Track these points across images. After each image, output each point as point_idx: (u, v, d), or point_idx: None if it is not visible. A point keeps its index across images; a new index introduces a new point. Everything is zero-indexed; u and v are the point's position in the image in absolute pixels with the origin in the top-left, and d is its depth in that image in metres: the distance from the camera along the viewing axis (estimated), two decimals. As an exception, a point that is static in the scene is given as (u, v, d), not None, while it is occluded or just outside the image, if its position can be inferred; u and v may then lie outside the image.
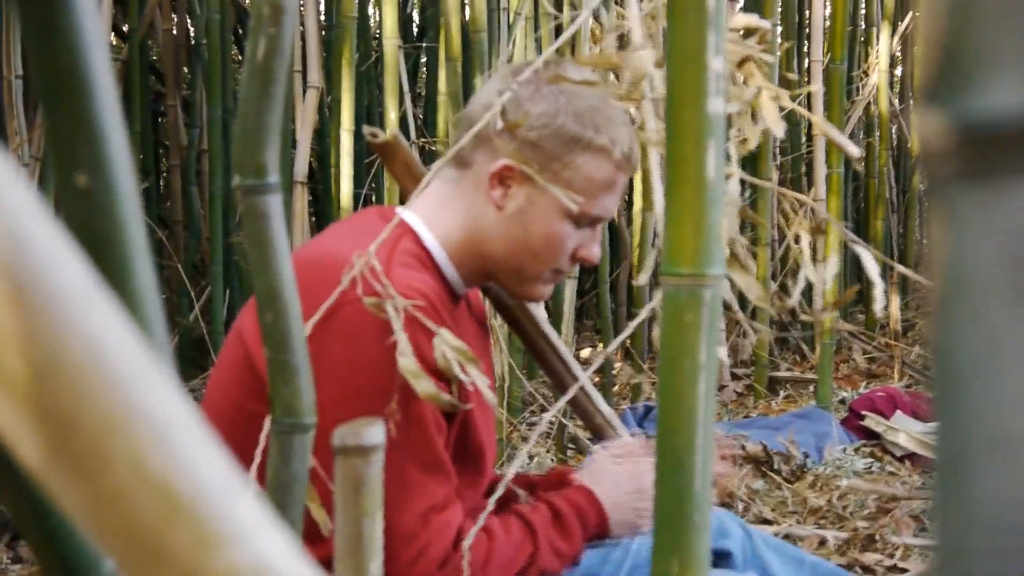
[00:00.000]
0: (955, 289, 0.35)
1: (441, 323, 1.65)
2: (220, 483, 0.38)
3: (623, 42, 1.40)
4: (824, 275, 1.28)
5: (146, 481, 0.36)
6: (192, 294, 4.91)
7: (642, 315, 1.14)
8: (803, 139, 5.63)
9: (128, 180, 0.63)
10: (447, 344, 1.46)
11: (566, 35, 1.25)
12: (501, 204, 1.79)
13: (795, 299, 1.19)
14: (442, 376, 1.59)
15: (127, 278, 0.60)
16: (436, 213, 1.83)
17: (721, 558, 2.02)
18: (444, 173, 1.85)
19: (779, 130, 1.18)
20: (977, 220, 0.34)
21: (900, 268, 1.32)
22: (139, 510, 0.37)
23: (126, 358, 0.36)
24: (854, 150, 1.23)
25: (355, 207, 4.17)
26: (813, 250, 1.30)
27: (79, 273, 0.35)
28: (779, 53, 5.13)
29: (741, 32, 1.23)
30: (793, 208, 1.26)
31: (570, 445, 3.99)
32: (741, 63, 1.18)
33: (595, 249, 1.87)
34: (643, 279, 1.21)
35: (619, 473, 1.84)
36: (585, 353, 5.30)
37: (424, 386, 1.45)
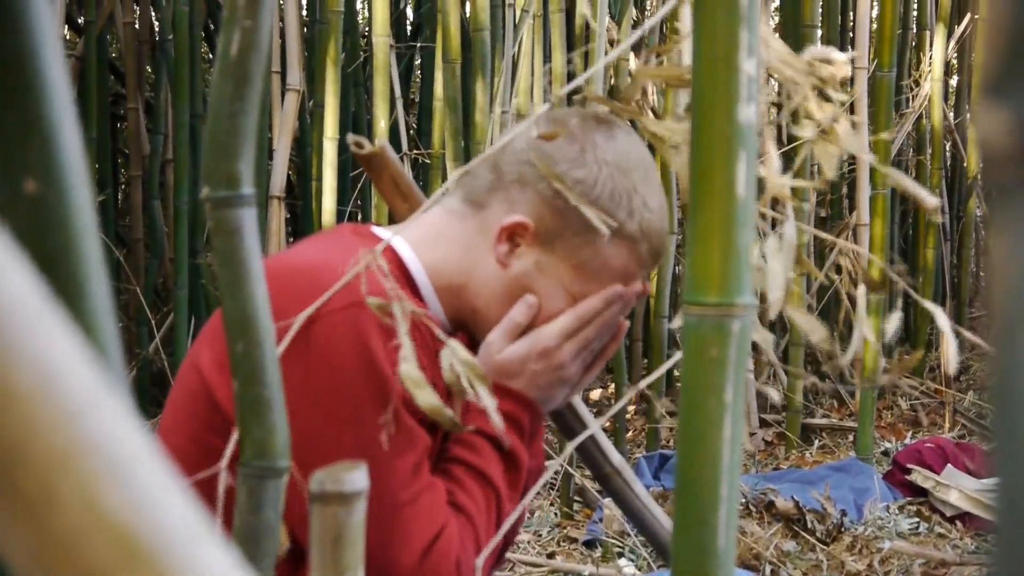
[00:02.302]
0: (1021, 315, 0.34)
1: (427, 342, 1.68)
2: (183, 527, 0.38)
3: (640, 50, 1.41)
4: (883, 330, 1.28)
5: (100, 523, 0.36)
6: (152, 322, 4.92)
7: (667, 364, 1.14)
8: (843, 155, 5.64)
9: (83, 189, 0.63)
10: (456, 357, 1.46)
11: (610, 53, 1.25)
12: (505, 262, 1.81)
13: (849, 356, 1.19)
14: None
15: (80, 298, 0.60)
16: (431, 243, 1.84)
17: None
18: (450, 204, 1.86)
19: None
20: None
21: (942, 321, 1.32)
22: (92, 556, 0.37)
23: (79, 385, 0.36)
24: (932, 201, 1.23)
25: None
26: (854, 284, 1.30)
27: (27, 288, 0.35)
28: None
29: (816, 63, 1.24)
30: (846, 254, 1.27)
31: (576, 498, 3.98)
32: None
33: None
34: (676, 323, 1.21)
35: (521, 352, 1.84)
36: (595, 395, 5.30)
37: (425, 397, 1.45)
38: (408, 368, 1.44)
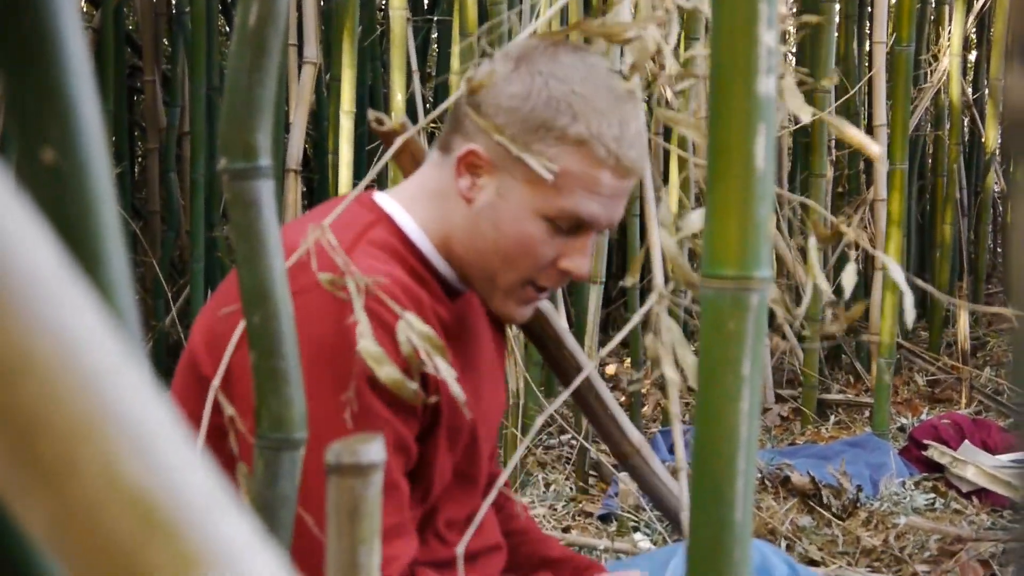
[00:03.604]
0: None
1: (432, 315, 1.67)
2: (203, 496, 0.38)
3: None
4: (841, 285, 1.28)
5: (119, 493, 0.36)
6: (169, 295, 4.92)
7: (624, 330, 1.14)
8: (862, 130, 5.62)
9: (100, 159, 0.63)
10: (412, 329, 1.44)
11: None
12: (469, 196, 1.76)
13: (803, 310, 1.19)
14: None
15: (98, 268, 0.60)
16: (420, 200, 1.80)
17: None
18: (431, 156, 1.84)
19: (804, 115, 1.19)
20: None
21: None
22: (111, 525, 0.37)
23: (99, 354, 0.36)
24: (875, 149, 1.23)
25: (354, 199, 4.17)
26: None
27: (49, 257, 0.35)
28: (836, 35, 5.12)
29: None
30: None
31: (592, 472, 3.99)
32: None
33: (580, 262, 1.80)
34: (629, 281, 1.21)
35: None
36: (611, 369, 5.30)
37: (387, 372, 1.43)
38: (367, 345, 1.43)
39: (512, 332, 3.48)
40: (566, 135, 1.73)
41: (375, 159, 4.97)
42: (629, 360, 4.69)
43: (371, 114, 1.81)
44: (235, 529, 0.39)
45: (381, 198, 1.82)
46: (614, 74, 1.78)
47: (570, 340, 2.18)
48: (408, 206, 1.80)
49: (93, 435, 0.36)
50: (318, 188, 5.20)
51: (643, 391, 4.66)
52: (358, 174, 4.65)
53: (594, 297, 3.85)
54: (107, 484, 0.36)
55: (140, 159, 6.02)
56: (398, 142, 1.55)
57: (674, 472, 2.49)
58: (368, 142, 5.09)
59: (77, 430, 0.36)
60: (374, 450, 0.89)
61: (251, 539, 0.39)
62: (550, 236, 1.76)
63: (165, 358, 4.91)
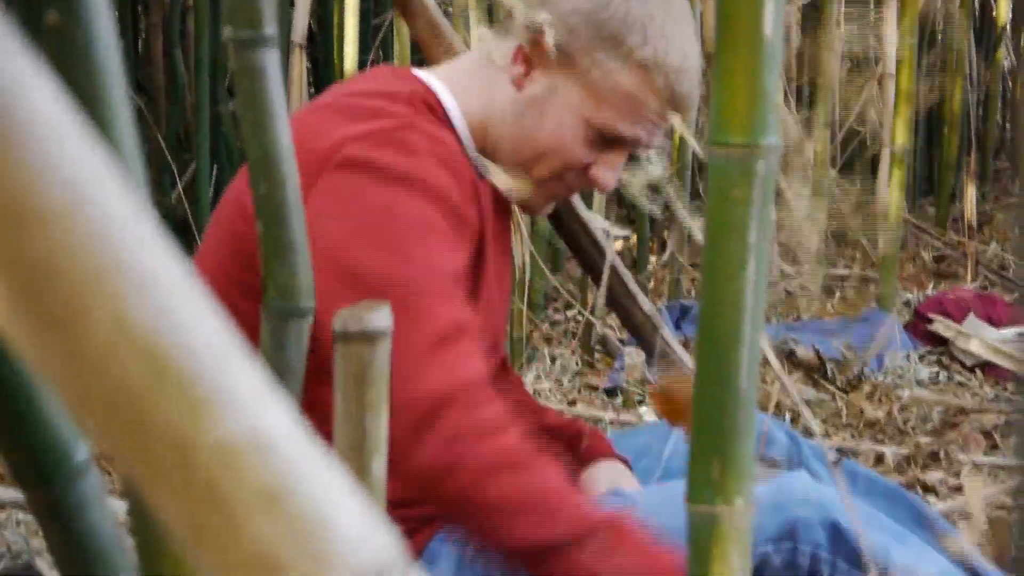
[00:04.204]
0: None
1: (463, 183, 1.69)
2: (213, 345, 0.38)
3: None
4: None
5: (129, 340, 0.37)
6: (175, 170, 4.91)
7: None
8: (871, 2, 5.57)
9: (104, 21, 0.63)
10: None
11: None
12: (520, 83, 1.80)
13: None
14: (465, 221, 1.67)
15: (106, 129, 0.60)
16: (463, 82, 1.85)
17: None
18: (479, 43, 1.86)
19: None
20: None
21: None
22: (121, 373, 0.37)
23: (110, 204, 0.36)
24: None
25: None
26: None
27: (58, 106, 0.35)
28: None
29: None
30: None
31: (597, 347, 4.00)
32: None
33: (609, 175, 1.85)
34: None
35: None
36: (617, 245, 5.30)
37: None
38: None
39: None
40: (631, 56, 1.78)
41: (379, 35, 4.93)
42: (635, 236, 4.68)
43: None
44: (246, 379, 0.39)
45: (421, 73, 1.85)
46: None
47: (583, 211, 2.20)
48: (449, 84, 1.83)
49: (104, 284, 0.36)
50: (323, 64, 5.16)
51: (649, 268, 4.66)
52: (363, 49, 4.61)
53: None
54: (117, 332, 0.36)
55: (144, 35, 5.97)
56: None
57: (684, 344, 2.52)
58: (375, 15, 5.04)
59: (88, 279, 0.36)
60: (381, 317, 0.90)
61: (262, 389, 0.39)
62: (587, 142, 1.81)
63: (172, 234, 4.91)
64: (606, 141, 1.82)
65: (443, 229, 1.67)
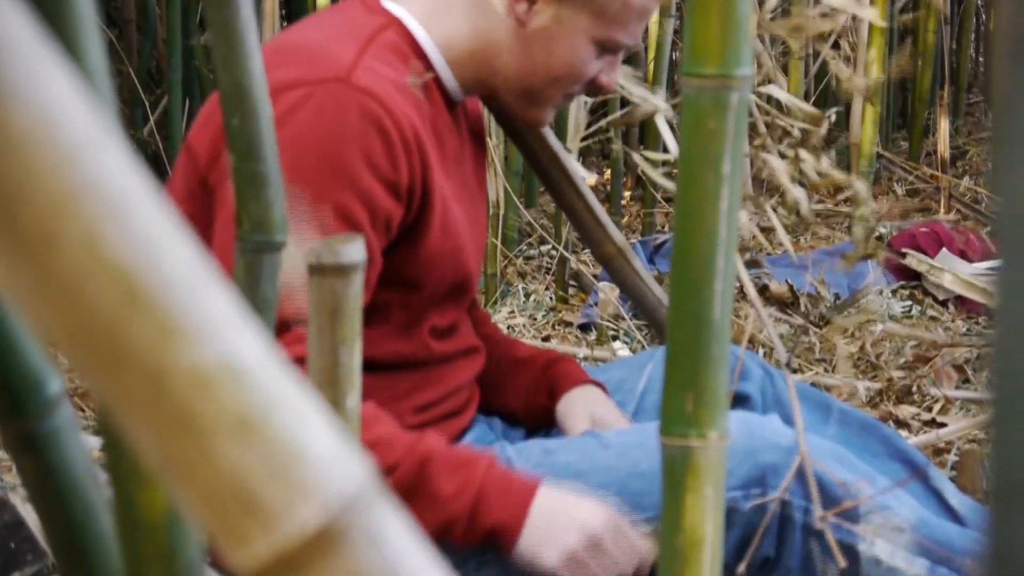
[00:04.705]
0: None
1: (395, 140, 1.69)
2: (185, 270, 0.38)
3: None
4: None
5: (100, 265, 0.36)
6: (147, 104, 4.88)
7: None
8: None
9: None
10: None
11: None
12: (524, 19, 1.82)
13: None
14: (394, 188, 1.69)
15: (77, 60, 0.59)
16: (436, 13, 1.85)
17: (739, 402, 2.04)
18: None
19: None
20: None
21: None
22: (93, 298, 0.37)
23: (78, 127, 0.36)
24: None
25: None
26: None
27: (23, 28, 0.34)
28: None
29: None
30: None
31: (572, 282, 4.01)
32: None
33: (615, 76, 1.92)
34: None
35: (580, 513, 1.72)
36: (590, 181, 5.29)
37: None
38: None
39: (492, 142, 3.47)
40: None
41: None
42: (609, 172, 4.68)
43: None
44: (217, 303, 0.39)
45: (389, 4, 1.85)
46: None
47: (553, 141, 2.21)
48: (423, 16, 1.84)
49: (74, 207, 0.36)
50: (295, -3, 5.12)
51: (622, 203, 4.66)
52: (336, -19, 4.58)
53: (575, 106, 3.81)
54: (88, 256, 0.36)
55: (114, -33, 5.91)
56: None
57: (658, 278, 2.52)
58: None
59: (57, 202, 0.36)
60: (355, 250, 0.90)
61: (233, 313, 0.39)
62: (595, 57, 1.87)
63: (145, 167, 4.88)
64: (609, 50, 1.88)
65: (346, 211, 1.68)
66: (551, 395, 2.03)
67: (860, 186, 2.07)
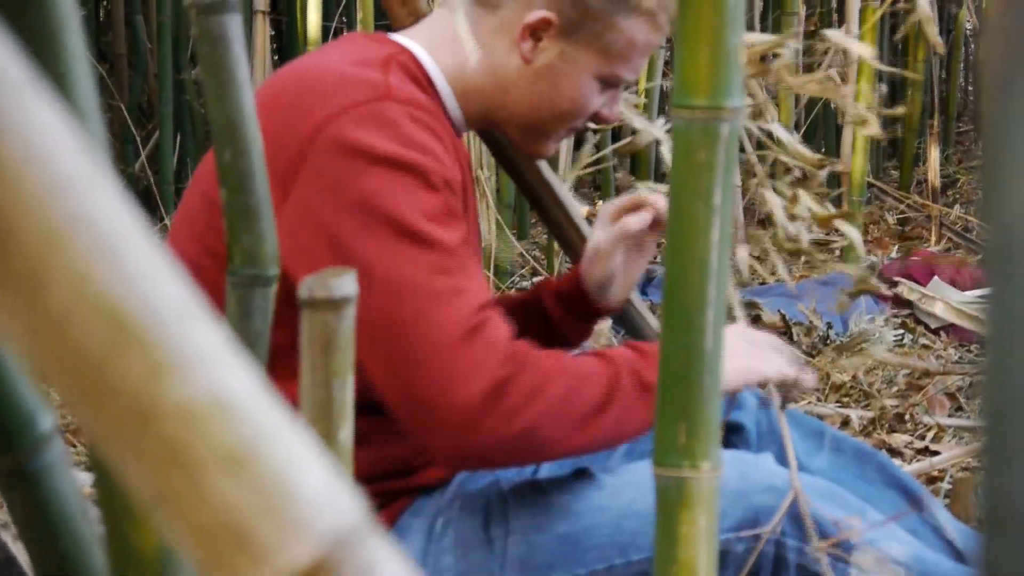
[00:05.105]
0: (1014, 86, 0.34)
1: (444, 143, 1.73)
2: (174, 305, 0.38)
3: None
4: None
5: (90, 301, 0.36)
6: (138, 139, 4.88)
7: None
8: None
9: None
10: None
11: None
12: (530, 58, 1.83)
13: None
14: (454, 187, 1.72)
15: (67, 96, 0.59)
16: (447, 46, 1.86)
17: (733, 432, 2.04)
18: (460, 8, 1.87)
19: None
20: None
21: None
22: (82, 334, 0.37)
23: (68, 161, 0.36)
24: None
25: (324, 42, 4.12)
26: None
27: (11, 61, 0.34)
28: None
29: None
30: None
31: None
32: None
33: (616, 108, 1.94)
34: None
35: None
36: (583, 212, 5.29)
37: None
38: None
39: (484, 174, 3.47)
40: (640, 7, 1.83)
41: (343, 1, 4.91)
42: (601, 202, 4.68)
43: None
44: (207, 337, 0.39)
45: (397, 36, 1.87)
46: None
47: (548, 172, 2.23)
48: (430, 48, 1.86)
49: (63, 243, 0.36)
50: (287, 31, 5.14)
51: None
52: (327, 16, 4.59)
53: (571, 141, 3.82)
54: (78, 292, 0.36)
55: (105, 1, 5.93)
56: None
57: (651, 308, 2.52)
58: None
59: (47, 237, 0.35)
60: (347, 284, 0.89)
61: (225, 351, 0.39)
62: (599, 93, 1.89)
63: (136, 203, 4.88)
64: (612, 84, 1.90)
65: (436, 209, 1.69)
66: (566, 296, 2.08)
67: (854, 233, 2.11)
